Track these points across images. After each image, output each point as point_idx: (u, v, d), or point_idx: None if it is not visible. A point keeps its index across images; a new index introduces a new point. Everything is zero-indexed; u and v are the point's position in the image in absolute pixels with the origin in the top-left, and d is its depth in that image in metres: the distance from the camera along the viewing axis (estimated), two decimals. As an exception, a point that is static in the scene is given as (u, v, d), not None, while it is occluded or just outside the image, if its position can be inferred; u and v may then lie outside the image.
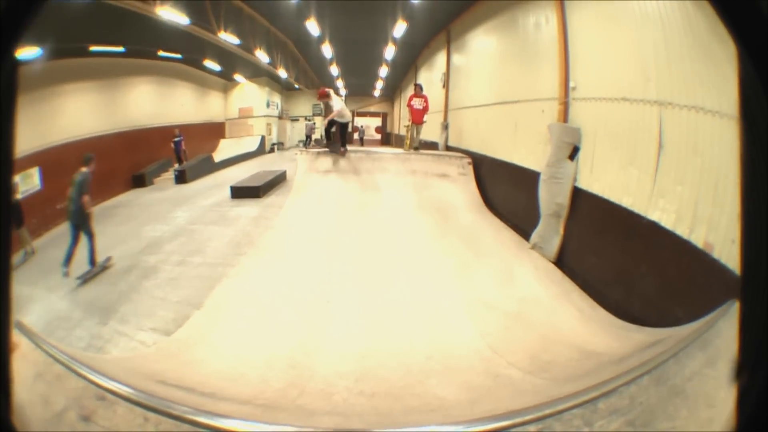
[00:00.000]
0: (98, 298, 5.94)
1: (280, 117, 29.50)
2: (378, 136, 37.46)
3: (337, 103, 11.12)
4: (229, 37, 12.63)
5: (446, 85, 14.88)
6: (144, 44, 14.39)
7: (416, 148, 12.09)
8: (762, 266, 1.21)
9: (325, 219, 8.18)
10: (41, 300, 5.76)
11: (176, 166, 15.55)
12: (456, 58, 14.28)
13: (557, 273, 6.58)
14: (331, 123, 11.00)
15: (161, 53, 16.92)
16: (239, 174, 14.42)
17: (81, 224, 6.79)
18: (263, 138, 21.46)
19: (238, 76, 24.14)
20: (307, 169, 10.61)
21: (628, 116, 5.57)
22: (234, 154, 19.25)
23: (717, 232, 4.05)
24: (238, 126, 25.01)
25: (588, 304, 5.56)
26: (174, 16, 9.80)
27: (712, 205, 4.13)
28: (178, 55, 17.87)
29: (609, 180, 5.97)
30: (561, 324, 5.04)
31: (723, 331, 3.31)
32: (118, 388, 2.99)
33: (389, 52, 18.60)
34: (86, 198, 6.73)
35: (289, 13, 13.67)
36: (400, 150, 12.33)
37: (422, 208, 9.18)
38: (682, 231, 4.47)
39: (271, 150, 24.91)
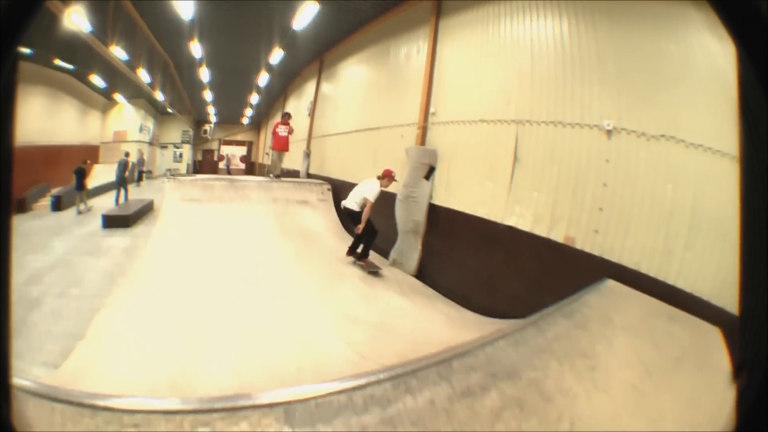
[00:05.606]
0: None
1: (150, 143, 27.93)
2: (243, 166, 35.80)
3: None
4: (119, 51, 11.81)
5: (312, 114, 14.92)
6: (46, 49, 13.33)
7: (278, 176, 11.70)
8: (761, 266, 1.21)
9: (191, 248, 7.84)
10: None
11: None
12: (326, 87, 14.39)
13: (419, 285, 6.71)
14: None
15: (57, 62, 15.58)
16: (111, 201, 15.56)
17: None
18: (134, 165, 20.67)
19: (118, 96, 23.33)
20: (172, 198, 10.07)
21: (485, 136, 6.02)
22: (106, 181, 18.63)
23: (578, 226, 4.46)
24: (112, 151, 23.38)
25: (454, 309, 5.71)
26: (81, 20, 8.99)
27: (572, 204, 4.55)
28: (71, 67, 16.50)
29: (465, 195, 6.35)
30: (428, 328, 5.12)
31: (591, 300, 3.57)
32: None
33: (263, 79, 18.28)
34: None
35: (176, 31, 12.82)
36: (263, 178, 11.89)
37: (285, 234, 9.04)
38: (540, 231, 4.83)
39: (140, 178, 23.71)
